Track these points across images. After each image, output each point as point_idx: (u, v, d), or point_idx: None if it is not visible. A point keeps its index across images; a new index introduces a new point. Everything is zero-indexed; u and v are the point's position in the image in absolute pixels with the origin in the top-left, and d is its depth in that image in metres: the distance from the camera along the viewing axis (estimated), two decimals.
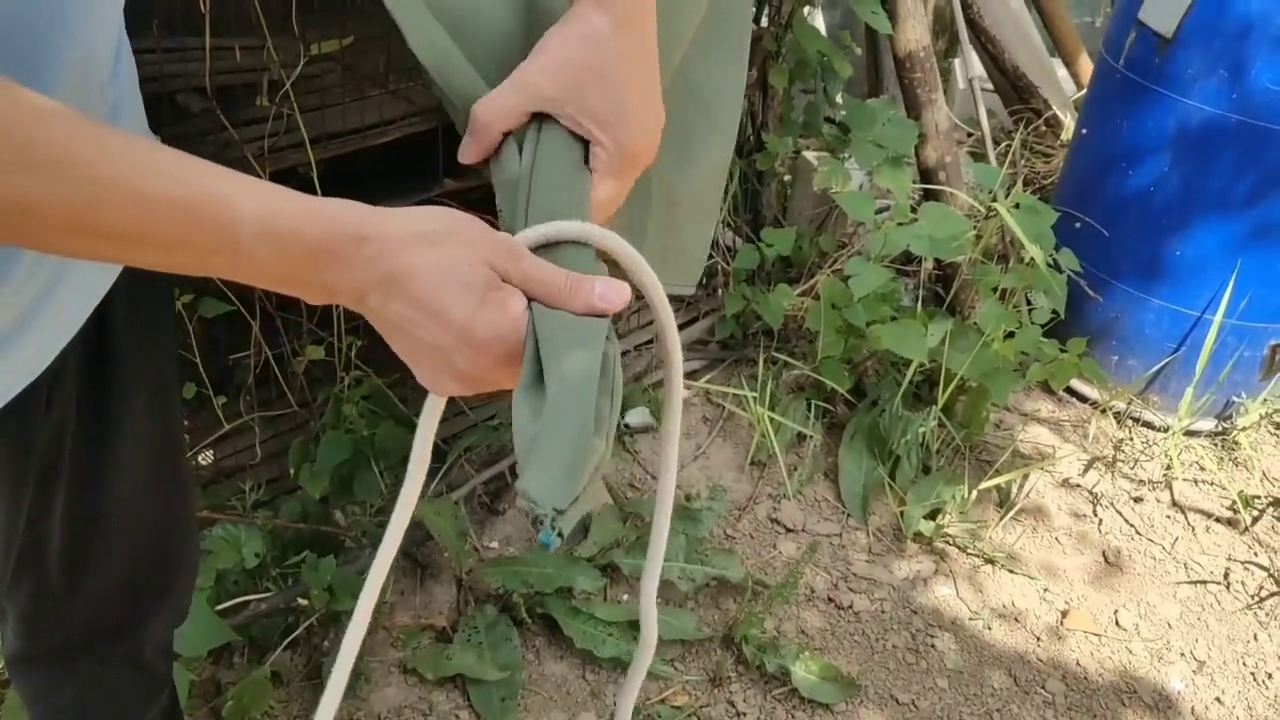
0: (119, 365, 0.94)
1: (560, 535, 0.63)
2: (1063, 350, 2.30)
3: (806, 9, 2.47)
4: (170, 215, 0.59)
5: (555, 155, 0.74)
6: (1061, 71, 3.54)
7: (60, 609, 1.08)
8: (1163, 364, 2.42)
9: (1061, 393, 2.56)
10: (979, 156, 3.05)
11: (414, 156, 1.97)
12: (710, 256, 2.49)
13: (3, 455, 0.84)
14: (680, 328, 2.51)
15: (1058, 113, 3.34)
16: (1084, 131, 2.51)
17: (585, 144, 0.75)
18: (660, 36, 0.78)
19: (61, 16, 0.67)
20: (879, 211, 2.36)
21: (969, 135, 3.18)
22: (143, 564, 1.12)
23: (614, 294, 0.66)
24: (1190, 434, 2.46)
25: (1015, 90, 3.34)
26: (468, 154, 0.77)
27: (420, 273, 0.63)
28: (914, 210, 2.28)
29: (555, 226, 0.69)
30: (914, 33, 2.43)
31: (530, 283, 0.66)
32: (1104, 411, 2.49)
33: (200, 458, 1.93)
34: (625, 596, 1.98)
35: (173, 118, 1.77)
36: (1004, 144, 3.13)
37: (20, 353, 0.78)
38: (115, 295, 0.88)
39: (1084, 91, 3.42)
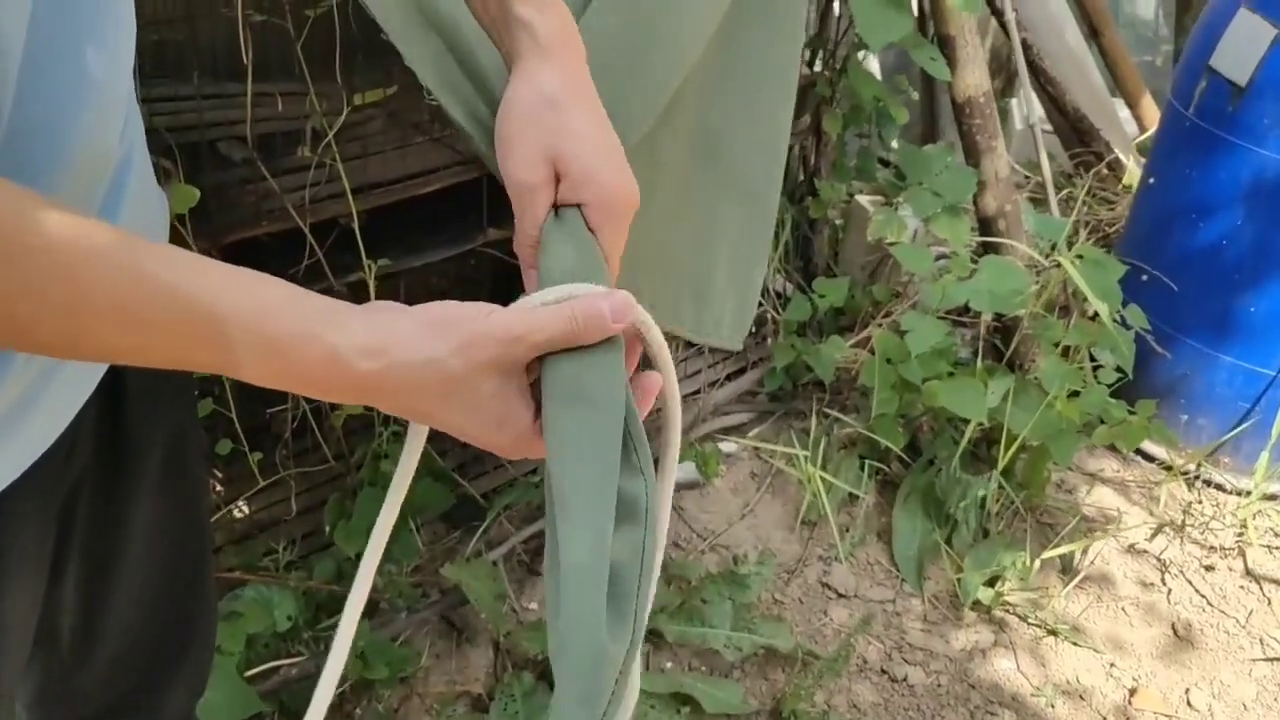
0: (132, 427, 0.90)
1: None
2: (1131, 411, 2.19)
3: (862, 53, 2.40)
4: (156, 333, 0.57)
5: (563, 231, 0.73)
6: (1124, 113, 3.44)
7: (72, 683, 1.03)
8: (1239, 426, 2.30)
9: (1126, 451, 2.45)
10: (1038, 202, 2.95)
11: (457, 205, 1.92)
12: (760, 304, 2.42)
13: (26, 529, 0.79)
14: (728, 378, 2.44)
15: (1120, 156, 3.23)
16: (1151, 180, 2.41)
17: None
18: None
19: (82, 74, 0.63)
20: (935, 259, 2.28)
21: (1026, 179, 3.08)
22: (157, 634, 1.07)
23: (621, 305, 0.66)
24: (1265, 498, 2.34)
25: (1076, 133, 3.24)
26: (529, 227, 0.75)
27: (439, 416, 0.65)
28: (972, 259, 2.20)
29: (566, 288, 0.68)
30: (973, 78, 2.35)
31: (542, 348, 0.65)
32: (1173, 473, 2.38)
33: (234, 511, 1.88)
34: (669, 664, 1.90)
35: (213, 166, 1.73)
36: (1064, 190, 3.03)
37: (28, 427, 0.73)
38: None
39: (1147, 134, 3.32)
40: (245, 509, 1.89)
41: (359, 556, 1.87)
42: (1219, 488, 2.38)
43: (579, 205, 0.73)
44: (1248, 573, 2.22)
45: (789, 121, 1.43)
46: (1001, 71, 3.47)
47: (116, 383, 0.85)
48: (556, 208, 0.74)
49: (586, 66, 0.77)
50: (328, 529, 1.86)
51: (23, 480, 0.73)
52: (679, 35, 1.06)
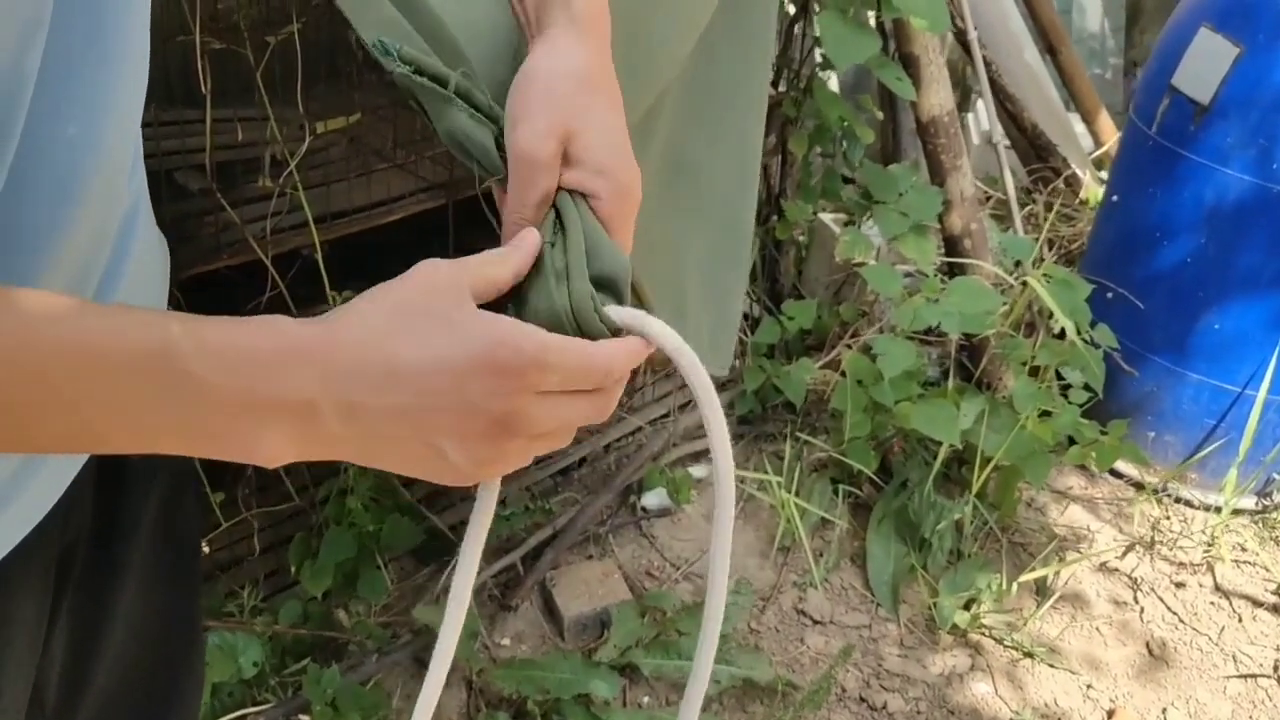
0: (130, 485, 0.86)
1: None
2: (1103, 431, 2.19)
3: (829, 73, 2.39)
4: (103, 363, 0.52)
5: (573, 218, 0.68)
6: (1079, 127, 3.47)
7: None
8: (1211, 442, 2.31)
9: (1094, 467, 2.46)
10: (1000, 219, 2.96)
11: (422, 233, 1.88)
12: None
13: (26, 597, 0.75)
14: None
15: (1077, 171, 3.26)
16: (1114, 198, 2.42)
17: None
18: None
19: (96, 128, 0.59)
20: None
21: (988, 197, 3.09)
22: (145, 693, 1.02)
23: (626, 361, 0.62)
24: (1234, 513, 2.35)
25: (1034, 149, 3.26)
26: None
27: (401, 361, 0.54)
28: (939, 276, 2.19)
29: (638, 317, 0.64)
30: (938, 97, 2.35)
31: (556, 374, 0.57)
32: (1144, 491, 2.39)
33: (200, 544, 1.82)
34: (645, 699, 1.87)
35: (170, 197, 1.67)
36: (1026, 207, 3.04)
37: (30, 492, 0.70)
38: None
39: (1103, 149, 3.35)
40: (206, 549, 1.82)
41: (325, 597, 1.82)
42: (1187, 504, 2.40)
43: (586, 195, 0.68)
44: (1217, 588, 2.23)
45: (760, 144, 1.41)
46: (957, 87, 3.48)
47: None
48: (570, 193, 0.68)
49: (609, 49, 0.72)
50: (293, 569, 1.80)
51: (23, 546, 0.69)
52: (657, 50, 1.03)
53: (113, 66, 0.60)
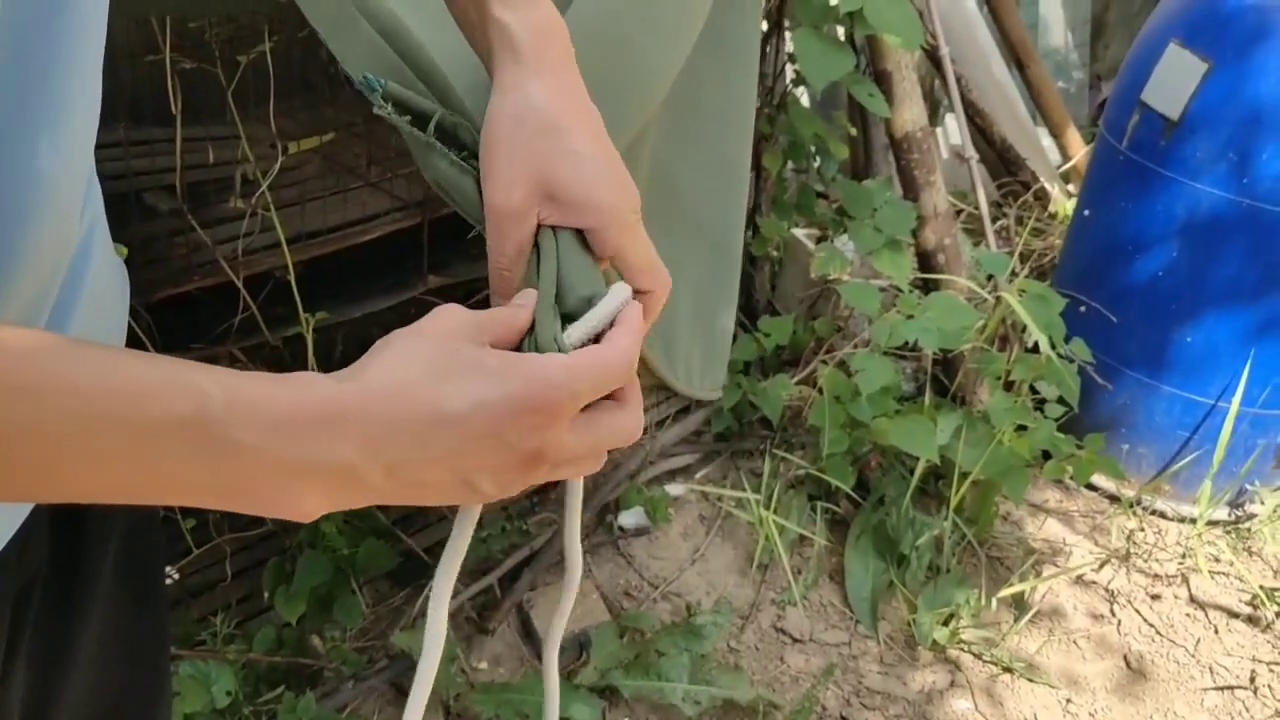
0: (89, 522, 0.82)
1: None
2: (1079, 446, 2.20)
3: (800, 89, 2.39)
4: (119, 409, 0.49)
5: (570, 245, 0.67)
6: (1046, 141, 3.49)
7: None
8: (1185, 455, 2.33)
9: (1069, 480, 2.47)
10: (971, 233, 2.98)
11: (396, 252, 1.85)
12: None
13: None
14: (673, 417, 2.40)
15: (1046, 185, 3.28)
16: (1086, 213, 2.43)
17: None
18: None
19: (32, 174, 0.56)
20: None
21: (959, 212, 3.10)
22: (114, 717, 0.99)
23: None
24: (1209, 524, 2.37)
25: (1003, 162, 3.28)
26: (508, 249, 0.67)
27: (442, 404, 0.53)
28: (914, 292, 2.19)
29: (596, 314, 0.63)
30: (911, 113, 2.36)
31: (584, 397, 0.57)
32: (1120, 504, 2.40)
33: (165, 579, 1.78)
34: None
35: (140, 217, 1.64)
36: (997, 221, 3.06)
37: None
38: None
39: (1071, 163, 3.38)
40: (175, 575, 1.79)
41: (300, 623, 1.79)
42: (1161, 515, 2.41)
43: (582, 230, 0.67)
44: (1193, 600, 2.24)
45: (747, 164, 1.41)
46: (926, 101, 3.50)
47: None
48: (552, 228, 0.67)
49: (575, 67, 0.70)
50: (266, 594, 1.77)
51: None
52: (649, 70, 1.02)
53: (61, 100, 0.57)
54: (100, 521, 0.84)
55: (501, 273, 0.68)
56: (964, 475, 2.11)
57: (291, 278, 1.63)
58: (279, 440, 0.51)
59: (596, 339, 0.62)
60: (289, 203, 1.72)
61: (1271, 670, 2.10)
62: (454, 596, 1.92)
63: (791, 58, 2.34)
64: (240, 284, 1.60)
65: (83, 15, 0.57)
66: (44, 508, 0.74)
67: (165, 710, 1.08)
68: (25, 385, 0.47)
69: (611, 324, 0.62)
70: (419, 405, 0.54)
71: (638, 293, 0.66)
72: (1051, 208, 3.29)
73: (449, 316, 0.58)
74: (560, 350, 0.60)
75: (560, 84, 0.68)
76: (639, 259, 0.68)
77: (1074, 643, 2.12)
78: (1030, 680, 2.02)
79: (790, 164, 2.47)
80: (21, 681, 0.84)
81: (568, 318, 0.63)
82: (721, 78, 1.32)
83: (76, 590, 0.84)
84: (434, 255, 1.85)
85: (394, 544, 1.89)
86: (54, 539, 0.79)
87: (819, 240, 2.62)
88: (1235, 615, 2.21)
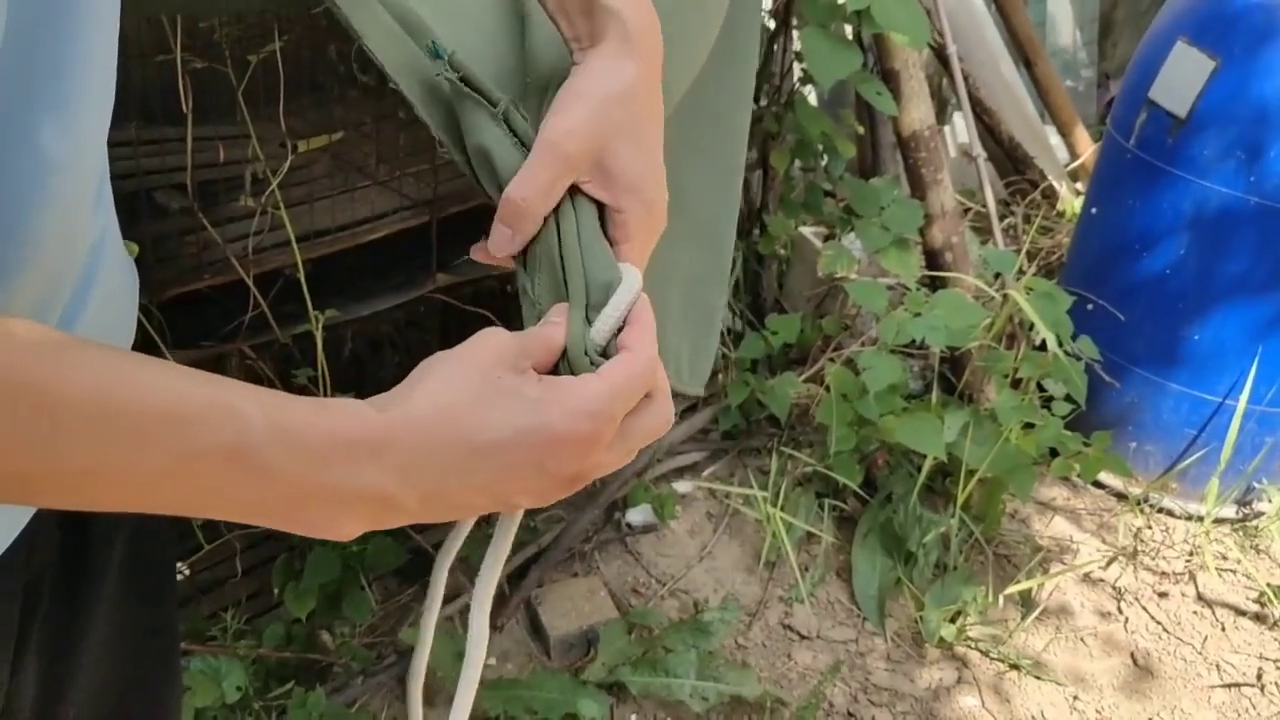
0: (96, 520, 0.83)
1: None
2: (1086, 443, 2.20)
3: (808, 87, 2.40)
4: (157, 428, 0.49)
5: (590, 228, 0.67)
6: (1053, 139, 3.49)
7: None
8: (1192, 453, 2.33)
9: (1076, 478, 2.47)
10: (979, 231, 2.98)
11: (404, 250, 1.86)
12: None
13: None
14: (681, 415, 2.40)
15: (1054, 183, 3.28)
16: (1093, 210, 2.43)
17: (599, 206, 0.68)
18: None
19: (38, 158, 0.56)
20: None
21: (967, 210, 3.10)
22: (123, 711, 1.00)
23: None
24: (1216, 522, 2.37)
25: (1011, 161, 3.28)
26: (505, 246, 0.66)
27: (481, 430, 0.55)
28: (921, 290, 2.19)
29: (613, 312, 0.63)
30: (919, 112, 2.36)
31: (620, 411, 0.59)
32: (1128, 502, 2.40)
33: (175, 576, 1.79)
34: (633, 717, 1.85)
35: (150, 216, 1.65)
36: (1005, 219, 3.06)
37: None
38: None
39: (1079, 162, 3.38)
40: (186, 571, 1.80)
41: (309, 619, 1.80)
42: (1168, 513, 2.41)
43: (610, 209, 0.67)
44: (1200, 598, 2.24)
45: (743, 162, 1.41)
46: (933, 99, 3.50)
47: None
48: (574, 207, 0.67)
49: (661, 72, 0.71)
50: (276, 590, 1.78)
51: None
52: (677, 71, 1.02)
53: (75, 91, 0.58)
54: (107, 522, 0.85)
55: (519, 201, 0.65)
56: (971, 473, 2.11)
57: (301, 276, 1.64)
58: (319, 468, 0.52)
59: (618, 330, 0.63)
60: (298, 201, 1.73)
61: (1279, 668, 2.10)
62: (460, 595, 1.93)
63: (799, 56, 2.35)
64: (250, 282, 1.62)
65: (94, 4, 0.58)
66: (50, 511, 0.74)
67: (175, 706, 1.09)
68: (62, 402, 0.47)
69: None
70: (460, 437, 0.54)
71: None
72: (1059, 206, 3.29)
73: (491, 342, 0.58)
74: (592, 363, 0.60)
75: (654, 80, 0.70)
76: (635, 259, 0.69)
77: (1081, 640, 2.13)
78: (1037, 677, 2.03)
79: (798, 162, 2.47)
80: (33, 676, 0.85)
81: (590, 308, 0.63)
82: (714, 74, 1.33)
83: (84, 588, 0.85)
84: (442, 253, 1.86)
85: (402, 541, 1.90)
86: (61, 538, 0.80)
87: (826, 238, 2.62)
88: (1242, 613, 2.21)
